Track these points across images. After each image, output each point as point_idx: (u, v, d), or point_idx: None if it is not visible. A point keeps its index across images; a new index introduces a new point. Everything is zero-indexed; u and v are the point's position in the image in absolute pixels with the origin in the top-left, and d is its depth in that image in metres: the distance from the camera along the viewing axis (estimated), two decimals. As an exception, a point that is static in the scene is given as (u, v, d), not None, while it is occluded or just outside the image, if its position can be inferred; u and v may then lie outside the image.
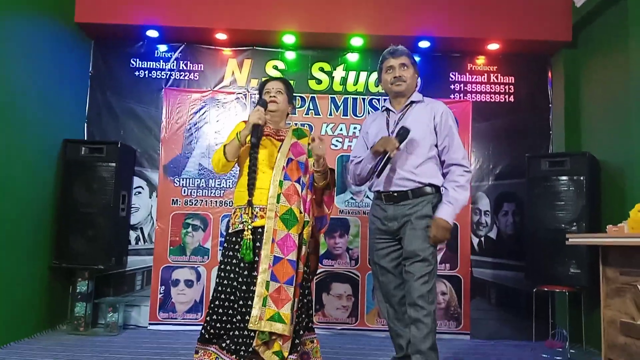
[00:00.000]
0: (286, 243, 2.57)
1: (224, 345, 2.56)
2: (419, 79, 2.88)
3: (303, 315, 2.70)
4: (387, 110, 2.85)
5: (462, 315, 4.47)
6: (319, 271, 4.43)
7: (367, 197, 4.57)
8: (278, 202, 2.61)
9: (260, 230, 2.62)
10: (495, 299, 4.57)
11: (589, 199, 3.91)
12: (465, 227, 4.55)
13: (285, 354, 2.51)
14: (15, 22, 3.65)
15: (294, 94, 4.57)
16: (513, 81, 4.85)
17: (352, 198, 4.64)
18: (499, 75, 4.86)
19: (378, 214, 2.75)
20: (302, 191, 2.67)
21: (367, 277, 4.48)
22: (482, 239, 4.65)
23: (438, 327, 4.25)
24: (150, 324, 4.43)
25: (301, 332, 2.66)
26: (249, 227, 2.58)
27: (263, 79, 2.99)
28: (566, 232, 3.68)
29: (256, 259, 2.58)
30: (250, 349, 2.50)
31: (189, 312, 4.47)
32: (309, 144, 2.69)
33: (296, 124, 2.87)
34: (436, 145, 2.71)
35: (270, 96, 2.76)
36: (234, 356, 2.50)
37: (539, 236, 4.04)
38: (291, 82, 4.62)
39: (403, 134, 2.60)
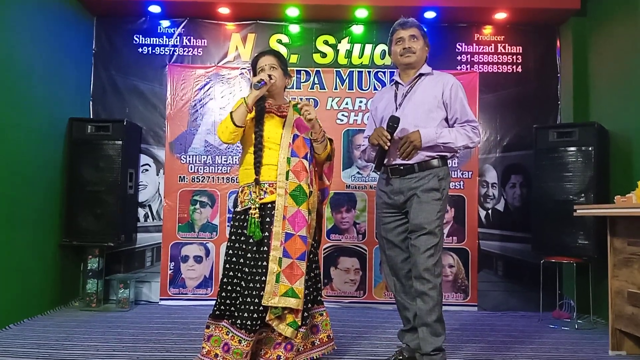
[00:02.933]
0: (296, 219, 2.58)
1: (233, 320, 2.59)
2: (427, 52, 2.83)
3: (311, 289, 2.73)
4: (396, 83, 2.82)
5: (470, 288, 4.50)
6: (326, 245, 4.49)
7: (373, 171, 4.55)
8: (287, 179, 2.61)
9: (269, 205, 2.63)
10: (502, 270, 4.59)
11: (597, 170, 3.88)
12: (472, 199, 4.55)
13: (299, 323, 2.55)
14: (16, 1, 3.62)
15: (299, 68, 4.65)
16: (520, 51, 4.78)
17: (358, 172, 4.63)
18: (507, 45, 4.79)
19: (384, 187, 2.74)
20: (309, 166, 2.67)
21: (374, 251, 4.51)
22: (490, 211, 4.64)
23: (446, 299, 4.34)
24: (161, 299, 4.50)
25: (309, 305, 2.69)
26: (256, 205, 2.59)
27: (254, 55, 2.90)
28: (574, 203, 3.68)
29: (265, 234, 2.59)
30: (258, 322, 2.54)
31: (198, 287, 4.52)
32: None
33: (294, 98, 2.82)
34: (446, 119, 2.69)
35: (267, 74, 2.69)
36: (244, 330, 2.54)
37: (546, 208, 4.03)
38: (295, 56, 4.70)
39: (392, 124, 2.58)
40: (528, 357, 3.05)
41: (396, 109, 2.71)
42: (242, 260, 2.62)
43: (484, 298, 4.52)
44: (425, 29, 2.82)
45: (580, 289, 4.06)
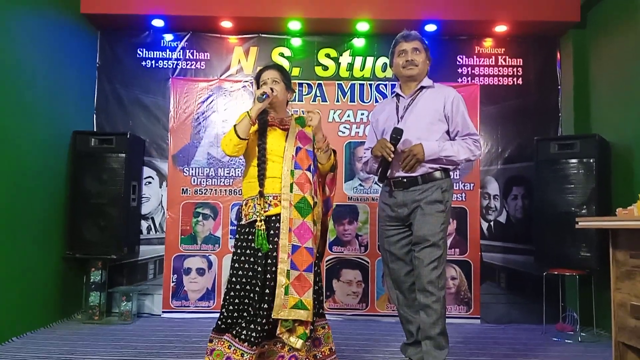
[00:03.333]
0: (302, 231, 2.59)
1: (235, 333, 2.59)
2: (429, 65, 2.86)
3: (315, 302, 2.72)
4: (397, 95, 2.84)
5: (472, 300, 4.49)
6: (329, 258, 4.48)
7: (376, 183, 4.57)
8: (291, 191, 2.62)
9: (274, 218, 2.64)
10: (505, 283, 4.58)
11: (598, 182, 3.89)
12: (474, 211, 4.56)
13: (309, 334, 2.55)
14: (21, 15, 3.66)
15: (301, 81, 4.68)
16: (521, 63, 4.80)
17: (360, 185, 4.64)
18: (507, 57, 4.81)
19: (387, 200, 2.75)
20: (312, 178, 2.69)
21: (376, 263, 4.51)
22: (492, 223, 4.64)
23: (448, 312, 4.32)
24: (163, 312, 4.49)
25: (313, 318, 2.69)
26: (262, 217, 2.60)
27: (258, 69, 2.94)
28: (576, 215, 3.67)
29: (270, 247, 2.60)
30: (261, 335, 2.54)
31: (201, 299, 4.52)
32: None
33: (296, 112, 2.85)
34: (447, 132, 2.70)
35: (269, 88, 2.72)
36: (247, 344, 2.54)
37: (548, 219, 4.04)
38: (297, 69, 4.73)
39: (396, 136, 2.59)
40: (531, 370, 3.04)
41: (398, 121, 2.72)
42: (249, 274, 2.62)
43: (486, 310, 4.50)
44: (427, 42, 2.84)
45: (583, 301, 4.05)
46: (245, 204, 2.71)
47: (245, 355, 2.53)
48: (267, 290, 2.55)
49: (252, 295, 2.60)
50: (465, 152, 2.65)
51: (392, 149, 2.58)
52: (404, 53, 2.75)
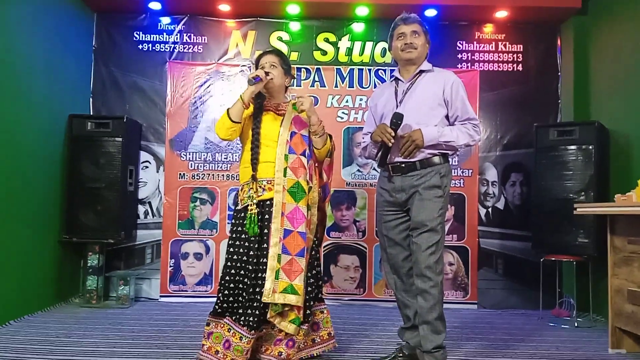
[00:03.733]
0: (295, 216, 2.59)
1: (235, 317, 2.60)
2: (428, 49, 2.83)
3: (313, 286, 2.73)
4: (396, 79, 2.81)
5: (470, 285, 4.51)
6: (326, 243, 4.49)
7: (374, 169, 4.56)
8: (285, 175, 2.62)
9: (268, 202, 2.63)
10: (502, 269, 4.59)
11: (597, 169, 3.89)
12: (472, 197, 4.56)
13: (302, 319, 2.56)
14: (16, -4, 3.62)
15: (299, 66, 4.64)
16: (521, 50, 4.77)
17: (358, 170, 4.63)
18: (507, 43, 4.78)
19: (386, 185, 2.74)
20: (307, 163, 2.67)
21: (374, 248, 4.51)
22: (490, 209, 4.64)
23: (445, 297, 4.30)
24: (161, 296, 4.50)
25: (311, 302, 2.70)
26: (254, 201, 2.60)
27: (258, 54, 2.91)
28: (574, 202, 3.69)
29: (265, 231, 2.60)
30: (260, 319, 2.54)
31: (198, 284, 4.52)
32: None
33: (294, 96, 2.83)
34: (447, 117, 2.68)
35: (263, 71, 2.69)
36: (246, 327, 2.54)
37: (546, 206, 4.04)
38: (296, 53, 4.69)
39: (396, 121, 2.57)
40: (528, 355, 3.05)
41: (397, 105, 2.70)
42: (243, 258, 2.62)
43: (483, 296, 4.52)
44: (427, 26, 2.81)
45: (580, 287, 4.07)
46: (241, 189, 2.71)
47: (244, 338, 2.54)
48: (263, 275, 2.55)
49: (245, 280, 2.60)
50: (464, 137, 2.63)
51: (393, 134, 2.56)
52: (403, 36, 2.72)
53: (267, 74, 2.67)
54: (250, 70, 4.67)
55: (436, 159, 2.63)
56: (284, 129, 2.70)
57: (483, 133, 4.66)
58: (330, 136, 2.86)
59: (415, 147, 2.56)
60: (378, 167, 2.67)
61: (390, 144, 2.56)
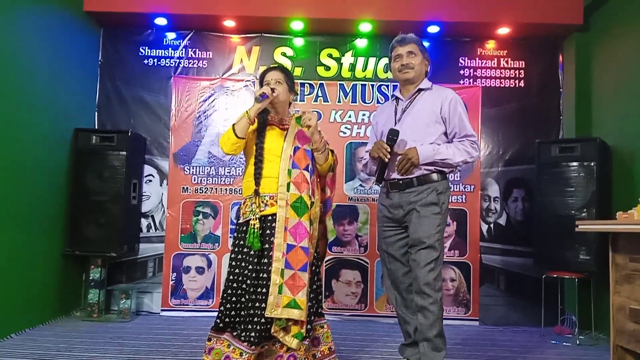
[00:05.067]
0: (298, 230, 2.60)
1: (235, 333, 2.59)
2: (429, 66, 2.86)
3: (313, 301, 2.73)
4: (396, 98, 2.85)
5: (471, 302, 4.49)
6: (328, 258, 4.48)
7: (375, 184, 4.56)
8: (288, 190, 2.63)
9: (270, 218, 2.64)
10: (504, 285, 4.58)
11: (599, 185, 3.89)
12: (474, 213, 4.56)
13: (304, 334, 2.56)
14: (24, 11, 3.67)
15: (303, 81, 4.68)
16: (523, 66, 4.80)
17: (361, 185, 4.65)
18: (509, 60, 4.81)
19: (385, 201, 2.76)
20: (310, 178, 2.69)
21: (376, 263, 4.51)
22: (492, 225, 4.64)
23: (447, 313, 4.32)
24: (162, 310, 4.50)
25: (312, 317, 2.70)
26: (256, 216, 2.61)
27: (262, 68, 2.95)
28: (576, 219, 3.68)
29: (266, 246, 2.61)
30: (261, 334, 2.54)
31: (200, 298, 4.53)
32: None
33: (297, 111, 2.85)
34: (445, 134, 2.70)
35: (269, 88, 2.72)
36: (246, 343, 2.54)
37: (548, 222, 4.03)
38: (299, 69, 4.73)
39: (392, 137, 2.61)
40: (529, 372, 3.04)
41: (395, 123, 2.74)
42: (245, 272, 2.62)
43: (485, 312, 4.50)
44: (424, 44, 2.85)
45: (582, 304, 4.05)
46: (244, 203, 2.72)
47: (244, 354, 2.53)
48: (263, 290, 2.55)
49: (248, 295, 2.60)
50: (461, 155, 2.64)
51: (389, 149, 2.59)
52: (399, 57, 2.77)
53: (272, 90, 2.70)
54: (254, 85, 4.71)
55: (434, 176, 2.65)
56: (288, 143, 2.72)
57: (485, 149, 4.67)
58: (333, 151, 2.88)
59: (411, 164, 2.58)
60: (376, 183, 2.69)
61: (386, 160, 2.59)
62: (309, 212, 2.65)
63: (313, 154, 2.75)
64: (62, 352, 3.16)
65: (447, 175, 2.72)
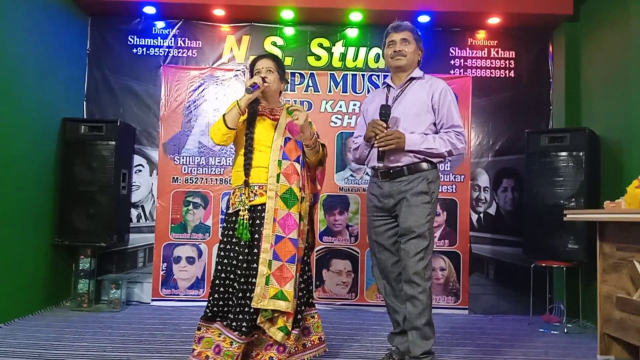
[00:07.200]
0: (287, 222, 2.59)
1: (226, 322, 2.60)
2: (421, 56, 2.85)
3: (304, 291, 2.74)
4: (388, 86, 2.84)
5: (461, 291, 4.52)
6: (319, 248, 4.50)
7: (367, 174, 4.58)
8: (278, 181, 2.62)
9: (259, 207, 2.64)
10: (493, 274, 4.61)
11: (588, 175, 3.91)
12: (464, 203, 4.58)
13: (290, 329, 2.56)
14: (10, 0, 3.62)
15: (293, 71, 4.66)
16: (514, 56, 4.80)
17: (351, 175, 4.65)
18: (500, 50, 4.81)
19: (375, 191, 2.76)
20: (301, 170, 2.68)
21: (366, 253, 4.52)
22: (481, 215, 4.67)
23: (436, 302, 4.36)
24: (152, 300, 4.49)
25: (302, 307, 2.70)
26: (246, 206, 2.60)
27: (252, 57, 2.93)
28: (565, 208, 3.71)
29: (256, 236, 2.61)
30: (252, 324, 2.55)
31: (190, 288, 4.52)
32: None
33: (288, 101, 2.84)
34: (434, 124, 2.70)
35: (260, 78, 2.70)
36: (236, 332, 2.55)
37: (537, 212, 4.06)
38: (289, 58, 4.71)
39: (385, 112, 2.61)
40: (517, 360, 3.07)
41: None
42: (234, 262, 2.62)
43: (474, 301, 4.54)
44: (419, 33, 2.84)
45: (570, 293, 4.09)
46: (233, 193, 2.71)
47: (234, 343, 2.54)
48: (254, 280, 2.55)
49: (235, 284, 2.60)
50: (446, 145, 2.64)
51: (384, 125, 2.58)
52: (393, 44, 2.76)
53: (264, 79, 2.68)
54: (244, 75, 4.69)
55: (424, 165, 2.65)
56: (278, 134, 2.71)
57: (475, 139, 4.68)
58: (324, 145, 2.86)
59: (396, 143, 2.56)
60: (378, 162, 2.66)
61: (383, 134, 2.57)
62: (299, 205, 2.64)
63: (303, 146, 2.74)
64: (52, 341, 3.15)
65: (437, 164, 2.72)
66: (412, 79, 2.77)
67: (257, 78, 2.67)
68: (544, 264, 4.04)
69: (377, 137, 2.58)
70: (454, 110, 2.69)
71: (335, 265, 4.58)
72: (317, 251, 4.51)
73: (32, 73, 3.89)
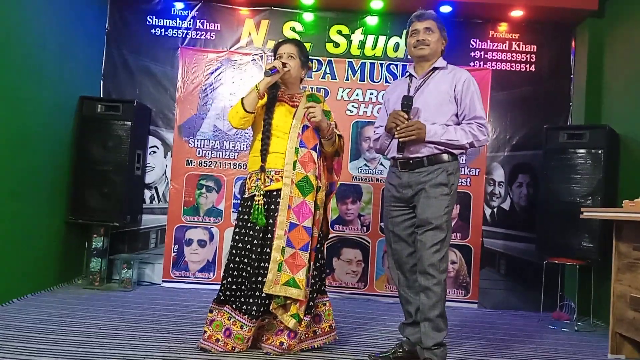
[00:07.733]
0: (302, 210, 2.59)
1: (235, 305, 2.61)
2: (444, 45, 2.81)
3: (316, 279, 2.74)
4: (410, 75, 2.81)
5: (471, 285, 4.51)
6: (330, 236, 4.48)
7: (381, 164, 4.56)
8: (294, 169, 2.62)
9: (275, 193, 2.64)
10: (504, 269, 4.59)
11: (605, 173, 3.87)
12: (478, 197, 4.55)
13: (302, 316, 2.56)
14: (32, -24, 3.61)
15: (310, 57, 4.61)
16: (535, 50, 4.74)
17: (365, 165, 4.63)
18: (521, 43, 4.75)
19: (393, 181, 2.73)
20: (317, 158, 2.67)
21: (377, 243, 4.52)
22: (495, 209, 4.64)
23: (447, 295, 4.31)
24: (163, 281, 4.52)
25: (314, 294, 2.71)
26: (261, 192, 2.60)
27: (277, 41, 2.90)
28: (581, 206, 3.67)
29: (270, 221, 2.61)
30: (262, 309, 2.56)
31: (201, 271, 4.54)
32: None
33: (305, 88, 2.81)
34: (456, 115, 2.67)
35: (280, 62, 2.68)
36: (246, 316, 2.56)
37: (552, 208, 4.03)
38: (308, 44, 4.67)
39: (407, 103, 2.57)
40: (527, 356, 3.05)
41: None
42: (248, 247, 2.63)
43: (484, 296, 4.53)
44: (442, 22, 2.79)
45: (582, 291, 4.06)
46: (249, 178, 2.71)
47: (245, 327, 2.56)
48: (266, 265, 2.56)
49: (248, 268, 2.61)
50: (468, 137, 2.60)
51: (406, 116, 2.56)
52: (416, 33, 2.71)
53: (284, 65, 2.66)
54: (262, 59, 4.66)
55: (444, 156, 2.61)
56: (297, 121, 2.70)
57: (492, 133, 4.64)
58: (341, 136, 2.84)
59: (417, 134, 2.54)
60: (397, 153, 2.62)
61: (404, 125, 2.55)
62: (314, 193, 2.63)
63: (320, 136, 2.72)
64: (63, 318, 3.17)
65: (458, 156, 2.69)
66: (435, 68, 2.73)
67: (277, 62, 2.65)
68: (556, 261, 4.01)
69: (398, 128, 2.56)
70: (476, 102, 2.65)
71: (346, 254, 4.58)
72: (328, 239, 4.49)
73: (51, 50, 3.89)
